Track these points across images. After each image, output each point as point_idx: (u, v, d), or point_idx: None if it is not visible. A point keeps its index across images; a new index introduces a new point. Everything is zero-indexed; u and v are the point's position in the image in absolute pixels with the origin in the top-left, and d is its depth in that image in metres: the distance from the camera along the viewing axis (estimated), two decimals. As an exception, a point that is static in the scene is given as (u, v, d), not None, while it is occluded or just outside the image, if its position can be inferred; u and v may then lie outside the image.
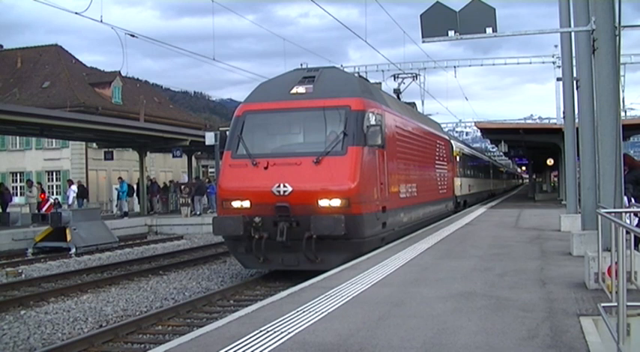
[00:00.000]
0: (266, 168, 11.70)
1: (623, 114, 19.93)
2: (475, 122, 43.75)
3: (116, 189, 30.28)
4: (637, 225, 8.93)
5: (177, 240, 23.59)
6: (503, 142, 36.45)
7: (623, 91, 28.62)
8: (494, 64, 36.88)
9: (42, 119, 22.06)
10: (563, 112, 14.23)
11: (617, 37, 7.97)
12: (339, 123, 11.84)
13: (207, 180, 34.10)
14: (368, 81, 15.99)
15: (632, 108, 52.75)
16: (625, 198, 8.85)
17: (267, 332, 5.84)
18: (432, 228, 16.70)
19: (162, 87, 75.19)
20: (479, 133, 43.26)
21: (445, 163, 22.11)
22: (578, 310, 6.31)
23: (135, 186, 32.06)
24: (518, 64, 36.72)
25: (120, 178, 31.71)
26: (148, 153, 31.81)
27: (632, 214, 8.73)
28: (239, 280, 13.25)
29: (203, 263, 16.54)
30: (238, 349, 5.33)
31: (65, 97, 39.02)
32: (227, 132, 12.85)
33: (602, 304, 5.45)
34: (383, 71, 33.21)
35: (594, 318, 5.83)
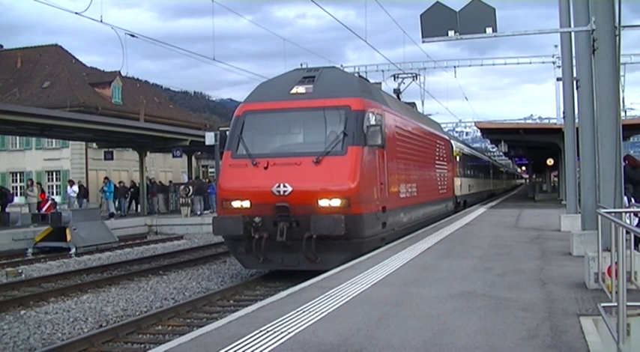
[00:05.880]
0: (266, 168, 11.70)
1: (623, 114, 19.93)
2: (475, 122, 43.77)
3: (103, 189, 30.10)
4: (637, 225, 8.95)
5: (177, 240, 23.59)
6: (503, 142, 36.48)
7: (623, 91, 28.61)
8: (494, 64, 36.87)
9: (42, 119, 22.08)
10: (563, 112, 14.23)
11: (617, 37, 7.98)
12: (339, 123, 11.84)
13: (207, 181, 34.08)
14: (368, 81, 15.99)
15: (632, 108, 52.86)
16: (625, 198, 8.86)
17: (267, 332, 5.84)
18: (432, 228, 16.70)
19: (162, 87, 75.06)
20: (479, 133, 43.29)
21: (445, 163, 22.11)
22: (578, 310, 6.31)
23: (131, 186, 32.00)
24: (518, 64, 36.73)
25: (106, 178, 31.53)
26: (148, 153, 31.80)
27: (632, 214, 8.74)
28: (239, 280, 13.25)
29: (203, 263, 16.54)
30: (238, 349, 5.33)
31: (65, 97, 38.99)
32: (227, 132, 12.85)
33: (602, 304, 5.44)
34: (383, 71, 33.18)
35: (594, 318, 5.83)
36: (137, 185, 32.18)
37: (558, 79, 21.07)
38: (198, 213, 28.19)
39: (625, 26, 8.78)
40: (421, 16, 9.26)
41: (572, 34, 11.32)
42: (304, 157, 11.65)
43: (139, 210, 31.30)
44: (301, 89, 12.58)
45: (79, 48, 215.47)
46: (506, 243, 12.87)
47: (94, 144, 36.17)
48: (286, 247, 11.45)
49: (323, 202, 11.30)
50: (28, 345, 8.55)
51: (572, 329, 5.56)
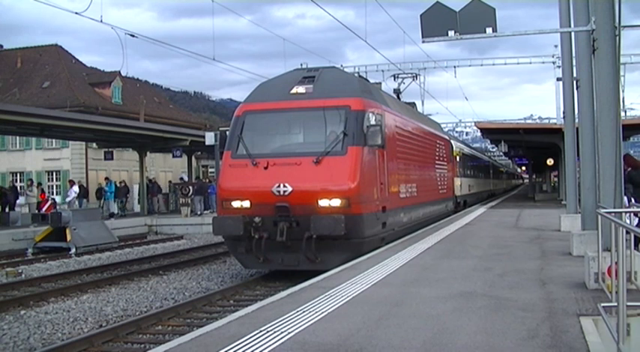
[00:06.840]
0: (266, 168, 11.70)
1: (623, 114, 19.93)
2: (475, 122, 43.77)
3: (104, 189, 30.07)
4: (637, 225, 8.94)
5: (177, 240, 23.59)
6: (503, 142, 36.48)
7: (623, 91, 28.61)
8: (494, 64, 36.87)
9: (42, 119, 22.08)
10: (563, 112, 14.23)
11: (617, 37, 7.98)
12: (339, 123, 11.84)
13: (207, 181, 34.07)
14: (368, 81, 15.99)
15: (632, 108, 52.88)
16: (625, 198, 8.86)
17: (267, 332, 5.84)
18: (432, 228, 16.70)
19: (162, 87, 74.99)
20: (479, 133, 43.28)
21: (445, 163, 22.11)
22: (578, 310, 6.31)
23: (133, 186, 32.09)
24: (518, 64, 36.71)
25: (107, 178, 31.55)
26: (148, 153, 31.81)
27: (632, 214, 8.74)
28: (239, 280, 13.25)
29: (203, 263, 16.54)
30: (238, 349, 5.33)
31: (65, 97, 38.97)
32: (227, 132, 12.85)
33: (602, 304, 5.44)
34: (383, 71, 33.17)
35: (594, 318, 5.83)
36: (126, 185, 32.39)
37: (558, 79, 21.06)
38: (199, 213, 28.19)
39: (625, 26, 8.78)
40: (421, 16, 9.26)
41: (572, 34, 11.32)
42: (304, 157, 11.65)
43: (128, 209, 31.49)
44: (301, 89, 12.58)
45: (79, 48, 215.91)
46: (506, 243, 12.87)
47: (94, 144, 36.15)
48: (286, 247, 11.45)
49: (323, 202, 11.31)
50: (28, 345, 8.55)
51: (572, 329, 5.56)
